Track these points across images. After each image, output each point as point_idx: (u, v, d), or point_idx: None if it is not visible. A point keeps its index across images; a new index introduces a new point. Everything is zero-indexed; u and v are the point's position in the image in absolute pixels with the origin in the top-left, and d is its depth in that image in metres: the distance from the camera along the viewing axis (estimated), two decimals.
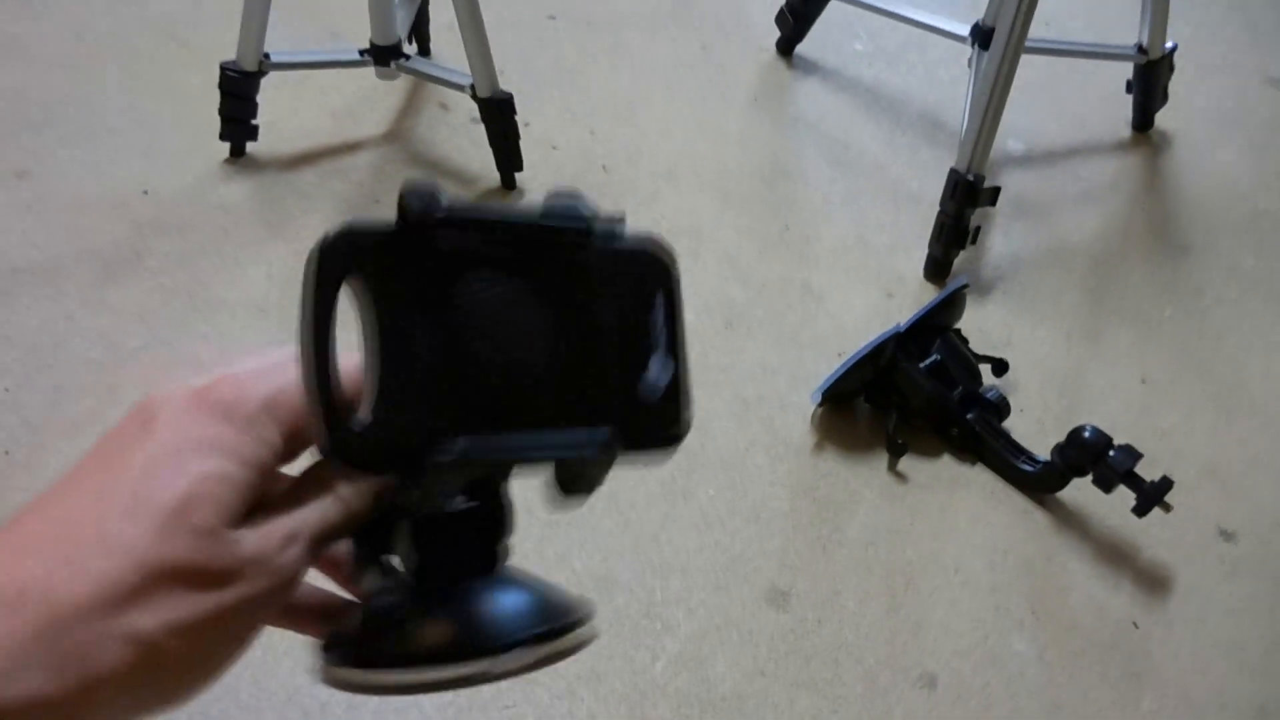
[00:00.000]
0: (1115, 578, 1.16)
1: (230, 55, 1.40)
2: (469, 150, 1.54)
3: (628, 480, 1.17)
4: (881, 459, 1.24)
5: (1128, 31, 1.64)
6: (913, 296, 1.43)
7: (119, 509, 0.30)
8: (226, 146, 1.48)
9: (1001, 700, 1.05)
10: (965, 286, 1.31)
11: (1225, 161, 1.71)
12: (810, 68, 1.80)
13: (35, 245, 1.34)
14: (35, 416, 1.17)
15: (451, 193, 0.33)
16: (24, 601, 0.28)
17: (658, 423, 0.37)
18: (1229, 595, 1.16)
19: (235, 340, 1.26)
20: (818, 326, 1.38)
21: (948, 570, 1.15)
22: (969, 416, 1.23)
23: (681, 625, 1.07)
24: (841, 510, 1.19)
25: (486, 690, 1.00)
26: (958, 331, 1.30)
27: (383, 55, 1.43)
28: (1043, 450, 1.21)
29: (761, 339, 1.35)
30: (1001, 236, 1.54)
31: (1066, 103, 1.79)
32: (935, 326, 1.27)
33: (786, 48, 1.81)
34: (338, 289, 0.33)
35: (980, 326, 1.39)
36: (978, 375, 1.27)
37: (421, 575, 0.36)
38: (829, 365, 1.25)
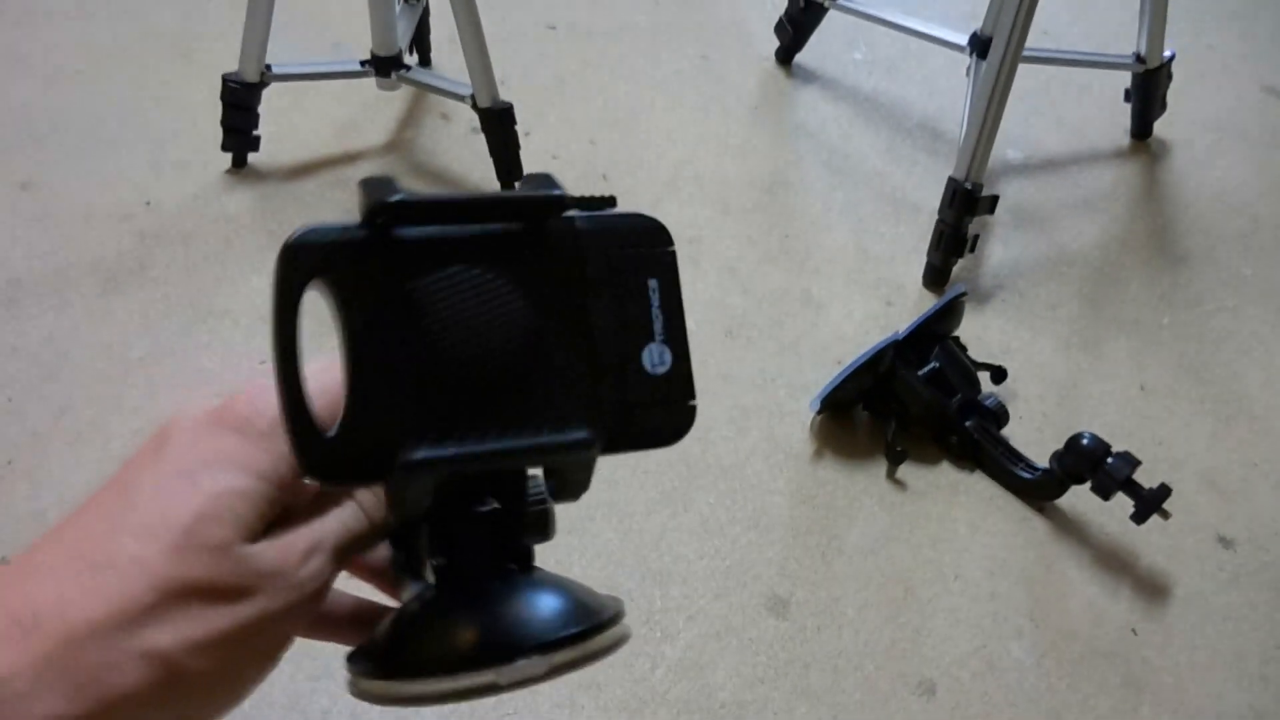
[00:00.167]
0: (1114, 585, 1.16)
1: (232, 67, 1.41)
2: (470, 160, 1.55)
3: (628, 488, 1.18)
4: (880, 466, 1.24)
5: (1126, 41, 1.64)
6: (912, 305, 1.43)
7: (132, 529, 0.30)
8: (228, 157, 1.49)
9: (1000, 707, 1.06)
10: (963, 294, 1.32)
11: (1223, 170, 1.72)
12: (810, 77, 1.81)
13: (39, 256, 1.35)
14: (39, 426, 1.17)
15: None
16: (39, 624, 0.28)
17: (657, 414, 0.35)
18: (1227, 603, 1.16)
19: (238, 350, 1.27)
20: (817, 335, 1.38)
21: (947, 577, 1.15)
22: (968, 424, 1.24)
23: (681, 633, 1.08)
24: (841, 518, 1.19)
25: (485, 701, 1.00)
26: (956, 339, 1.31)
27: (384, 66, 1.43)
28: (1041, 458, 1.21)
29: (761, 347, 1.36)
30: (1000, 245, 1.55)
31: (1065, 112, 1.79)
32: (934, 334, 1.27)
33: (786, 57, 1.82)
34: (300, 296, 0.31)
35: (979, 334, 1.40)
36: (976, 383, 1.27)
37: (444, 580, 0.35)
38: (828, 373, 1.26)
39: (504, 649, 0.31)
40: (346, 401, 0.31)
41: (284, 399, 0.31)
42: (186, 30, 1.73)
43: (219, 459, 0.32)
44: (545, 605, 0.34)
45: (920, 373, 1.24)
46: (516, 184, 0.35)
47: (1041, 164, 1.70)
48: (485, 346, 0.33)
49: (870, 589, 1.13)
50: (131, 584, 0.29)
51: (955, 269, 1.46)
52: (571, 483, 0.35)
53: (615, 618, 0.34)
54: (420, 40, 1.66)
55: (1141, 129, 1.74)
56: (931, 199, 1.44)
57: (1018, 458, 1.23)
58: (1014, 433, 1.28)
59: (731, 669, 1.06)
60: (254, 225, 1.42)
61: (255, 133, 1.47)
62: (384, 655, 0.34)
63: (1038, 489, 1.21)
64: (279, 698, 0.99)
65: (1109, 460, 1.13)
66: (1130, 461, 1.13)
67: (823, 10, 1.72)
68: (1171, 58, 1.64)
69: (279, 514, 0.33)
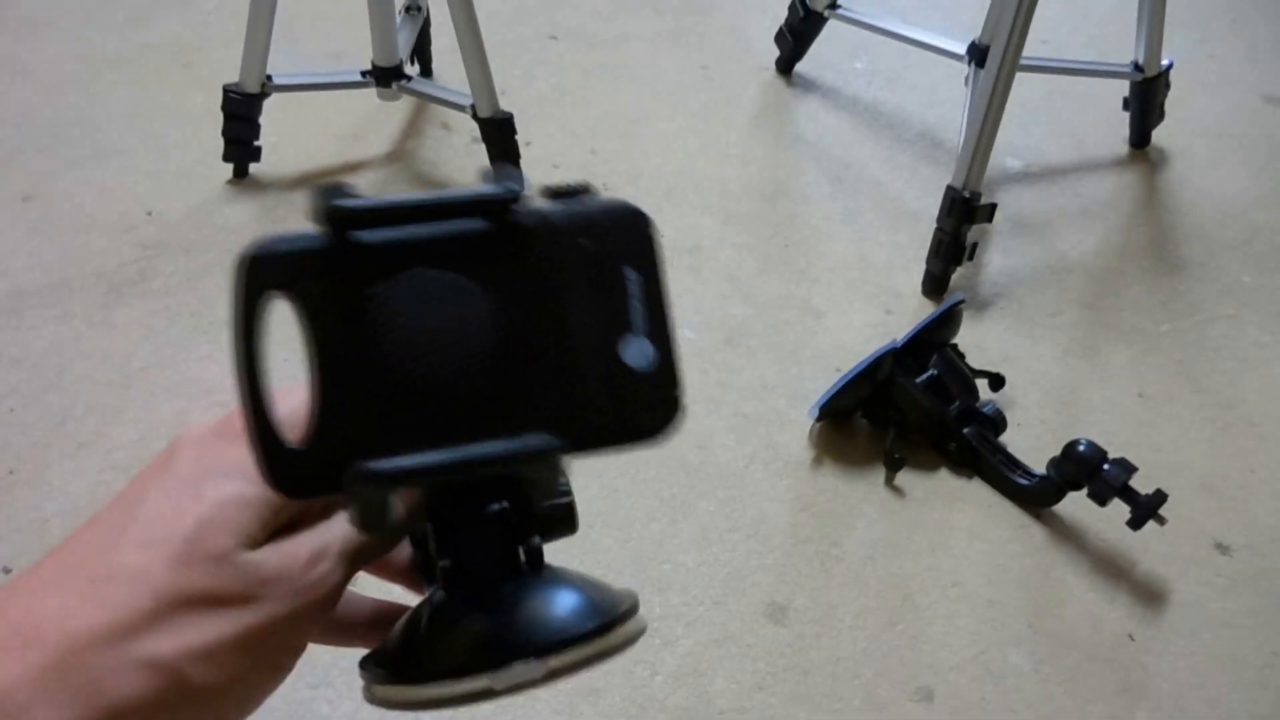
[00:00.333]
0: (1111, 591, 1.16)
1: (233, 77, 1.42)
2: (471, 171, 1.56)
3: (627, 495, 1.18)
4: (879, 474, 1.25)
5: (1124, 49, 1.65)
6: (911, 313, 1.44)
7: (135, 541, 0.30)
8: (230, 168, 1.49)
9: (998, 713, 1.06)
10: (961, 302, 1.32)
11: (1222, 178, 1.72)
12: (810, 87, 1.82)
13: (41, 266, 1.36)
14: (41, 436, 1.18)
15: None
16: (40, 635, 0.28)
17: (637, 410, 0.33)
18: (1225, 609, 1.16)
19: None
20: (817, 343, 1.39)
21: (945, 584, 1.15)
22: (966, 431, 1.24)
23: (680, 640, 1.08)
24: (840, 525, 1.19)
25: (486, 705, 1.01)
26: (954, 347, 1.31)
27: (385, 76, 1.44)
28: (1040, 464, 1.21)
29: (761, 356, 1.36)
30: (999, 253, 1.55)
31: (1064, 120, 1.80)
32: (932, 342, 1.28)
33: (786, 67, 1.83)
34: (258, 308, 0.31)
35: (977, 342, 1.40)
36: (974, 390, 1.28)
37: (450, 582, 0.34)
38: (828, 381, 1.26)
39: (500, 653, 0.30)
40: (311, 414, 0.31)
41: (247, 413, 0.31)
42: (188, 41, 1.74)
43: (222, 468, 0.32)
44: (551, 606, 0.33)
45: (919, 380, 1.25)
46: (481, 179, 0.33)
47: (1041, 172, 1.70)
48: (446, 352, 0.32)
49: (869, 596, 1.14)
50: (132, 593, 0.29)
51: (954, 277, 1.46)
52: (539, 486, 0.33)
53: (624, 616, 0.33)
54: (421, 51, 1.67)
55: (1140, 137, 1.74)
56: (931, 208, 1.45)
57: (1016, 465, 1.23)
58: (1012, 440, 1.28)
59: (730, 676, 1.06)
60: (256, 235, 1.43)
61: (256, 143, 1.48)
62: (390, 660, 0.33)
63: (1035, 496, 1.21)
64: (279, 705, 0.99)
65: (1105, 467, 1.14)
66: (1126, 468, 1.13)
67: (823, 20, 1.73)
68: (1169, 66, 1.65)
69: (288, 521, 0.33)
